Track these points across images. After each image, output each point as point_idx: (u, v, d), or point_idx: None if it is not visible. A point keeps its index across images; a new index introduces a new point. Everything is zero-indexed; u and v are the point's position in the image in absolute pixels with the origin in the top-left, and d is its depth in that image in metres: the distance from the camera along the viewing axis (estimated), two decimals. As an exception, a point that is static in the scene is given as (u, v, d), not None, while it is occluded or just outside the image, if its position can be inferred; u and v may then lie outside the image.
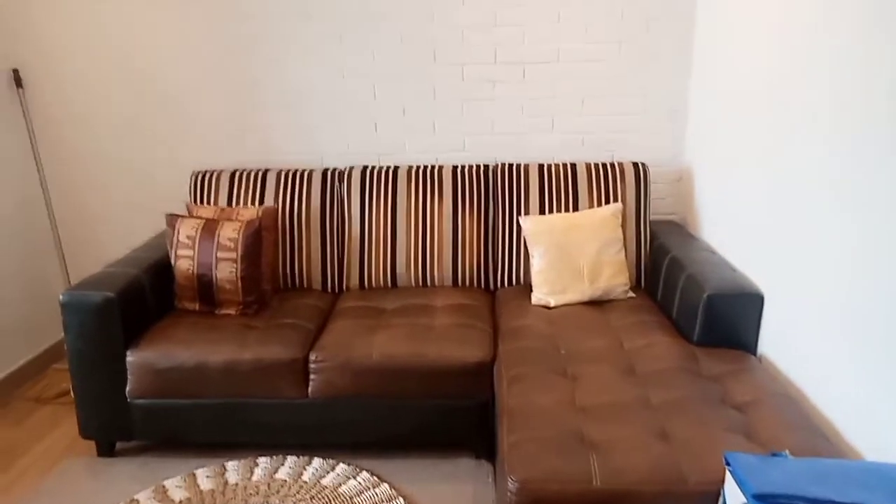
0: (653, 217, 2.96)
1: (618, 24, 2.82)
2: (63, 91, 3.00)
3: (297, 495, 2.21)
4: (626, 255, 2.66)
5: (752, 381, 1.91)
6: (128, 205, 3.14)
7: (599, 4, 2.79)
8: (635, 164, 2.78)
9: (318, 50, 2.91)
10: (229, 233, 2.55)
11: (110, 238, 3.17)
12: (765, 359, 2.12)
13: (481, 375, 2.26)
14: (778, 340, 2.05)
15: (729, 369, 2.00)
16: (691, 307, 2.21)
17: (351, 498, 2.20)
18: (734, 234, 2.41)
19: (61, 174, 3.12)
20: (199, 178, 2.88)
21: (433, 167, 2.84)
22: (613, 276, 2.58)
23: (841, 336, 1.71)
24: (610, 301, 2.58)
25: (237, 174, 2.86)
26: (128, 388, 2.34)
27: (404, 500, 2.18)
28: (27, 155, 3.05)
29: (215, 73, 2.95)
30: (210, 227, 2.57)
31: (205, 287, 2.55)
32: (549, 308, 2.54)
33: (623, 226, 2.70)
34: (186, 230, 2.58)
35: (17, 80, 2.96)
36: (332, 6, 2.84)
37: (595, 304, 2.56)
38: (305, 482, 2.28)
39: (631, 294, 2.62)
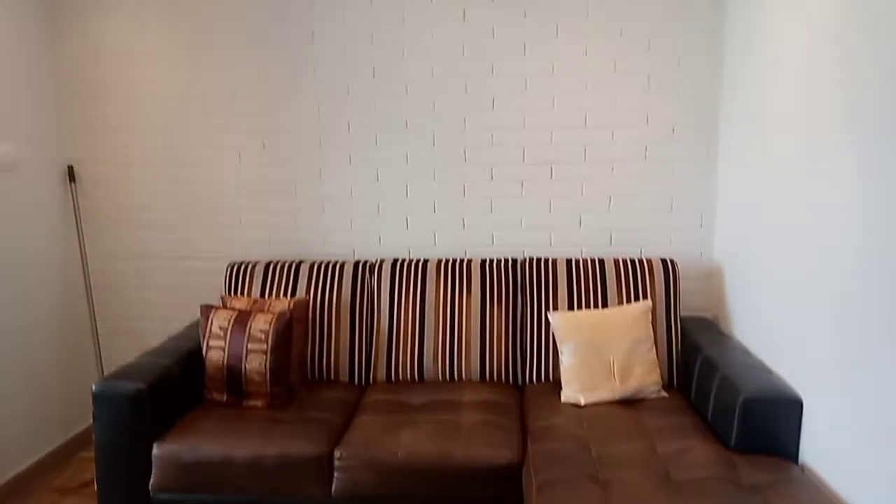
0: (683, 314, 2.93)
1: (643, 129, 2.91)
2: (111, 187, 3.17)
3: None
4: (657, 354, 2.62)
5: (794, 493, 1.82)
6: (166, 296, 3.23)
7: (624, 110, 2.90)
8: (664, 261, 2.79)
9: (355, 155, 3.05)
10: (261, 324, 2.59)
11: (147, 328, 3.24)
12: (807, 468, 2.02)
13: (510, 478, 2.19)
14: (821, 447, 1.96)
15: (769, 479, 1.91)
16: (727, 410, 2.15)
17: None
18: (768, 334, 2.37)
19: (103, 267, 3.24)
20: (235, 269, 2.97)
21: (462, 261, 2.89)
22: (645, 375, 2.53)
23: (888, 443, 1.63)
24: (641, 400, 2.52)
25: (271, 266, 2.94)
26: (151, 482, 2.32)
27: None
28: (73, 247, 3.19)
29: (257, 176, 3.10)
30: (242, 319, 2.62)
31: (234, 378, 2.57)
32: (579, 406, 2.49)
33: (654, 323, 2.68)
34: (219, 321, 2.63)
35: (72, 176, 3.14)
36: (370, 116, 3.01)
37: (626, 403, 2.50)
38: (325, 588, 2.19)
39: (663, 393, 2.56)
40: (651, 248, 3.00)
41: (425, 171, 3.05)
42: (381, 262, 2.92)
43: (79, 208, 3.18)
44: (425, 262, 2.90)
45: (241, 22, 2.99)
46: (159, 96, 3.07)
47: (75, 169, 3.15)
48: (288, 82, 3.02)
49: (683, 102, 2.88)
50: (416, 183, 3.06)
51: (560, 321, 2.64)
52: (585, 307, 2.75)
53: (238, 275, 2.95)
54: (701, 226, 2.97)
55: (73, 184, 3.15)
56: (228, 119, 3.07)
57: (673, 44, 2.84)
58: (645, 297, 2.73)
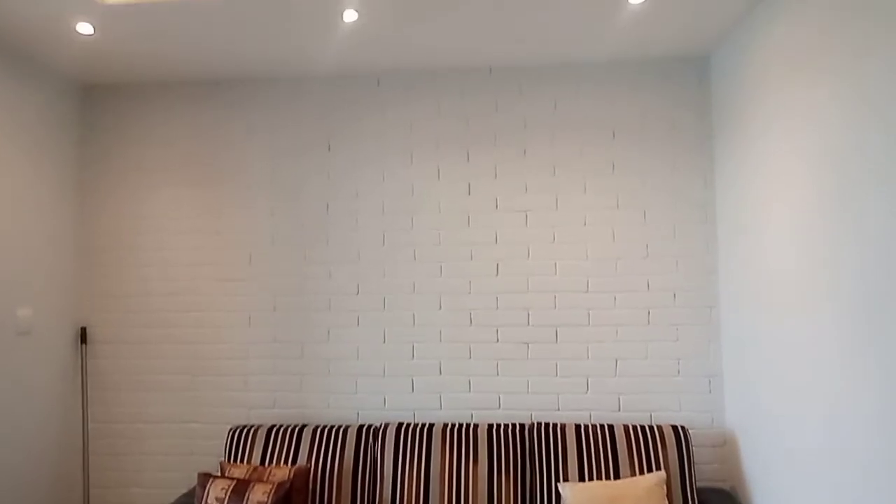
0: (699, 485, 2.81)
1: (644, 294, 2.98)
2: (121, 349, 3.20)
3: None
4: (675, 531, 2.48)
5: None
6: (165, 461, 3.14)
7: (625, 276, 3.00)
8: (675, 428, 2.72)
9: (363, 317, 3.12)
10: (259, 495, 2.49)
11: (142, 497, 3.11)
12: None
13: None
14: None
15: None
16: None
17: None
18: (790, 512, 2.25)
19: (103, 430, 3.18)
20: (236, 434, 2.91)
21: (468, 426, 2.83)
22: (664, 556, 2.38)
23: None
24: (662, 585, 2.34)
25: (273, 430, 2.89)
26: None
27: None
28: (76, 409, 3.16)
29: (266, 338, 3.15)
30: (240, 489, 2.52)
31: (227, 556, 2.42)
32: (595, 593, 2.31)
33: (669, 496, 2.56)
34: (216, 492, 2.53)
35: (83, 337, 3.19)
36: (379, 280, 3.12)
37: (646, 588, 2.32)
38: None
39: (685, 577, 2.38)
40: (661, 413, 2.95)
41: (432, 334, 3.08)
42: (386, 426, 2.86)
43: (87, 371, 3.19)
44: (430, 426, 2.84)
45: (258, 193, 3.19)
46: (174, 262, 3.21)
47: (88, 331, 3.21)
48: (301, 248, 3.16)
49: (682, 270, 2.98)
50: (422, 345, 3.09)
51: (571, 493, 2.53)
52: (597, 477, 2.65)
53: (239, 440, 2.89)
54: (710, 391, 2.94)
55: (84, 345, 3.19)
56: (240, 283, 3.18)
57: (668, 215, 3.00)
58: (658, 467, 2.64)
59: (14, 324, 2.80)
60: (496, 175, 3.10)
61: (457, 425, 2.84)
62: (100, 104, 3.29)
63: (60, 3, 2.40)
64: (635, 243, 3.01)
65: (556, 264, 3.04)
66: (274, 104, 3.22)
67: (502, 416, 3.02)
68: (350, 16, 2.55)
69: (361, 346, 3.12)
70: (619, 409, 2.97)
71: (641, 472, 2.63)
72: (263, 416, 3.12)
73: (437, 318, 3.09)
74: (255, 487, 2.53)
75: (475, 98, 3.13)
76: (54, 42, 2.75)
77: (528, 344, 3.04)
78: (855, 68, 1.83)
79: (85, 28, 2.61)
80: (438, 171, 3.13)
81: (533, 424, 2.82)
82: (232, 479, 2.60)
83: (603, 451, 2.69)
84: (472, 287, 3.08)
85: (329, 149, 3.18)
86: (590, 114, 3.07)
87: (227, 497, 2.51)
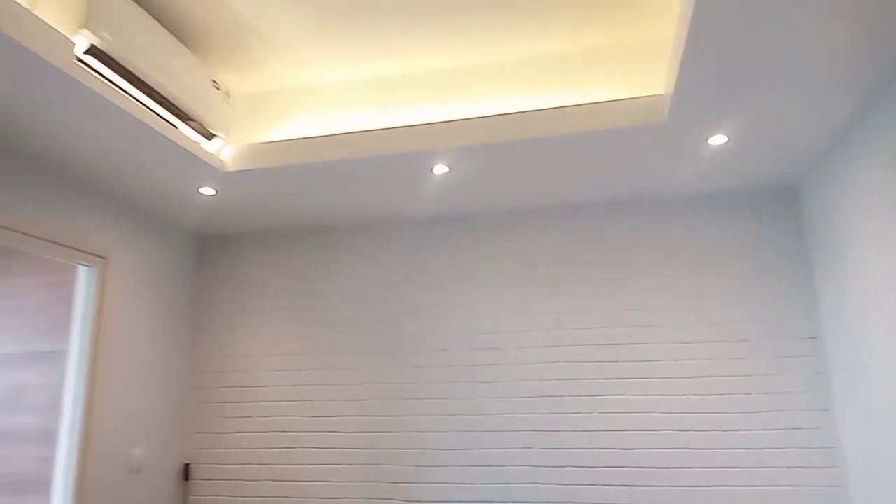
0: None
1: (751, 434, 2.79)
2: (221, 486, 3.28)
3: None
4: None
5: None
6: None
7: (731, 415, 2.83)
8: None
9: (451, 457, 3.08)
10: None
11: None
12: None
13: None
14: None
15: None
16: None
17: None
18: None
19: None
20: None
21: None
22: None
23: None
24: None
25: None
26: None
27: None
28: (176, 546, 3.21)
29: (357, 478, 3.15)
30: None
31: None
32: None
33: None
34: None
35: (186, 474, 3.30)
36: (469, 419, 3.10)
37: None
38: None
39: None
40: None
41: (523, 475, 2.98)
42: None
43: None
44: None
45: (352, 333, 3.32)
46: (271, 400, 3.32)
47: (191, 467, 3.32)
48: (392, 386, 3.21)
49: (791, 406, 2.79)
50: (516, 487, 2.98)
51: None
52: None
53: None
54: (841, 546, 2.63)
55: (187, 482, 3.30)
56: (332, 421, 3.23)
57: (771, 348, 2.86)
58: None
59: (128, 462, 2.95)
60: (584, 310, 3.10)
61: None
62: (211, 252, 3.61)
63: (190, 174, 2.72)
64: (736, 380, 2.86)
65: (652, 401, 2.93)
66: (366, 247, 3.41)
67: (605, 569, 2.81)
68: (440, 169, 2.73)
69: (450, 485, 3.04)
70: (737, 565, 2.70)
71: None
72: (355, 560, 3.05)
73: (529, 458, 2.99)
74: None
75: (563, 233, 3.20)
76: (179, 203, 3.09)
77: (629, 487, 2.87)
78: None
79: (207, 191, 2.93)
80: (526, 306, 3.16)
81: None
82: None
83: None
84: (566, 425, 2.99)
85: (421, 288, 3.30)
86: (680, 247, 3.06)
87: None
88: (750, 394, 2.84)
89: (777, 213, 3.00)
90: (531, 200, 3.15)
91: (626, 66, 2.61)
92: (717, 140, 2.48)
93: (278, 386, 3.34)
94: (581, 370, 3.03)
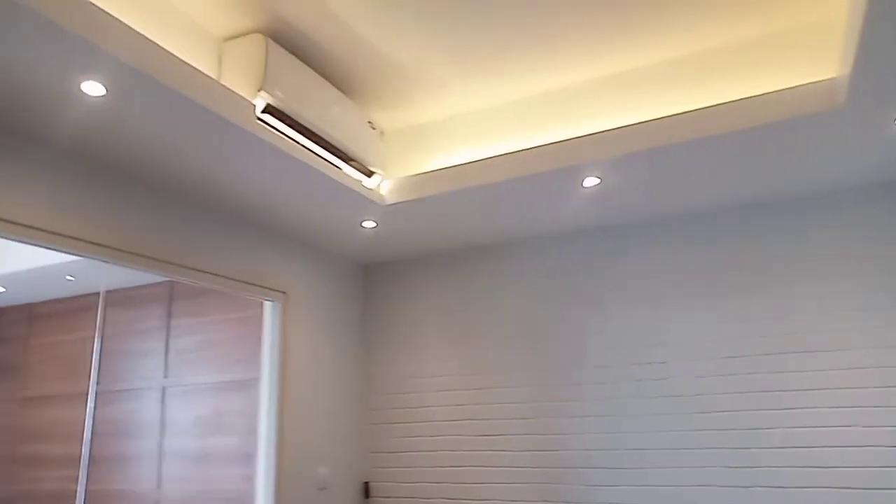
0: None
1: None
2: (396, 503, 3.44)
3: None
4: None
5: None
6: None
7: (949, 423, 2.49)
8: None
9: (622, 476, 2.99)
10: None
11: None
12: None
13: None
14: None
15: None
16: None
17: None
18: None
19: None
20: None
21: None
22: None
23: None
24: None
25: None
26: None
27: None
28: (361, 560, 3.41)
29: (527, 497, 3.16)
30: None
31: None
32: None
33: None
34: None
35: (367, 492, 3.50)
36: (637, 433, 3.00)
37: None
38: None
39: None
40: None
41: (707, 497, 2.81)
42: None
43: (369, 523, 3.47)
44: None
45: (515, 348, 3.35)
46: (439, 419, 3.43)
47: (370, 485, 3.52)
48: (556, 404, 3.19)
49: None
50: (697, 508, 2.83)
51: None
52: None
53: None
54: None
55: (367, 500, 3.49)
56: (499, 440, 3.27)
57: None
58: None
59: (316, 481, 3.19)
60: (760, 317, 2.89)
61: None
62: (375, 279, 3.83)
63: (354, 210, 2.93)
64: (956, 385, 2.51)
65: (853, 413, 2.65)
66: (521, 265, 3.44)
67: None
68: (591, 182, 2.70)
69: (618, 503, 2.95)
70: None
71: None
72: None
73: (708, 477, 2.82)
74: None
75: (724, 239, 3.02)
76: (345, 237, 3.33)
77: (829, 510, 2.61)
78: None
79: (369, 224, 3.13)
80: (691, 315, 3.01)
81: None
82: None
83: None
84: (750, 442, 2.79)
85: (580, 301, 3.27)
86: (859, 246, 2.76)
87: None
88: (973, 403, 2.48)
89: None
90: (687, 205, 3.01)
91: (786, 53, 2.43)
92: (906, 120, 2.22)
93: (444, 405, 3.45)
94: (763, 381, 2.82)
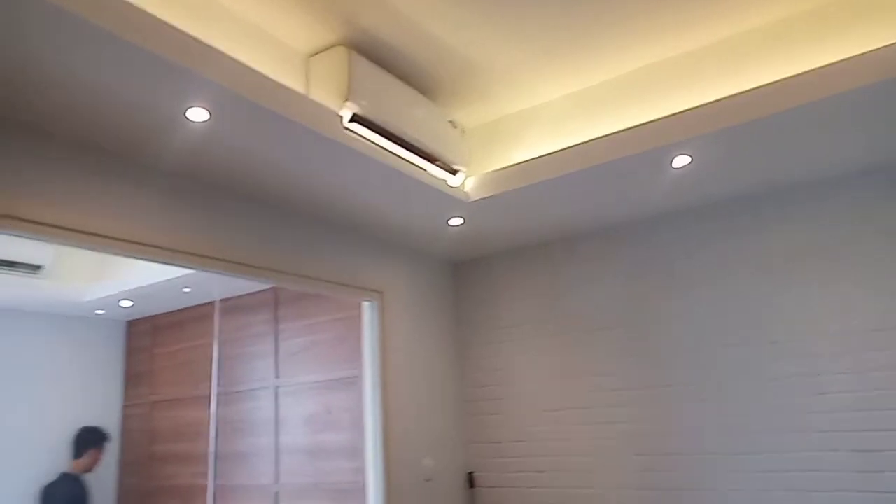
0: None
1: None
2: (500, 493, 3.49)
3: None
4: None
5: None
6: None
7: None
8: None
9: (727, 462, 2.89)
10: None
11: None
12: None
13: None
14: None
15: None
16: None
17: None
18: None
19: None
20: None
21: None
22: None
23: None
24: None
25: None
26: None
27: None
28: (471, 548, 3.49)
29: (629, 485, 3.12)
30: None
31: None
32: None
33: None
34: None
35: (471, 482, 3.57)
36: (746, 419, 2.89)
37: None
38: None
39: None
40: None
41: (819, 481, 2.68)
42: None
43: (476, 512, 3.55)
44: None
45: (609, 337, 3.31)
46: (538, 408, 3.45)
47: (474, 476, 3.59)
48: (659, 391, 3.13)
49: None
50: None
51: None
52: None
53: None
54: None
55: (472, 490, 3.57)
56: (602, 426, 3.25)
57: None
58: None
59: (422, 472, 3.30)
60: (874, 291, 2.71)
61: None
62: (465, 276, 3.90)
63: (441, 208, 3.01)
64: None
65: None
66: (608, 253, 3.40)
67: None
68: (681, 161, 2.63)
69: (729, 489, 2.85)
70: None
71: None
72: (644, 568, 3.01)
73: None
74: None
75: (826, 211, 2.85)
76: (434, 235, 3.41)
77: (970, 494, 2.41)
78: None
79: (456, 221, 3.20)
80: (795, 294, 2.86)
81: None
82: None
83: None
84: (876, 425, 2.63)
85: (673, 288, 3.19)
86: None
87: None
88: None
89: None
90: (790, 178, 2.86)
91: (863, 16, 2.26)
92: None
93: (542, 395, 3.47)
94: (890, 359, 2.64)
